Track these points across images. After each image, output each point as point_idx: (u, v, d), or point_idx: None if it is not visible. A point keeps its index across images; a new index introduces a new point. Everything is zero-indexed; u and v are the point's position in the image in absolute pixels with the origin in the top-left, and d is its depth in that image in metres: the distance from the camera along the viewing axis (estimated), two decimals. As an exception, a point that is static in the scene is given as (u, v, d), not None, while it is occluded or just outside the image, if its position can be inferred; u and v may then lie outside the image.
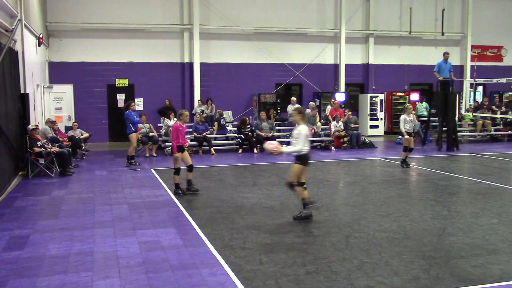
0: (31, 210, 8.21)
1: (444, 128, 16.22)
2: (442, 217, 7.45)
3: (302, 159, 7.08)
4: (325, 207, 8.15)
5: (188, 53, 19.76)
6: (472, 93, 22.82)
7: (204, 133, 15.92)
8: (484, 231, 6.64)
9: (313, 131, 17.13)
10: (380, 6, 21.89)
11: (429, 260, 5.51)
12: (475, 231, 6.67)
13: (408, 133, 12.24)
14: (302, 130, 7.03)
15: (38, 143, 11.49)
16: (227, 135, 17.07)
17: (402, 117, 12.32)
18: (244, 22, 20.08)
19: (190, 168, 9.29)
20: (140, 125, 14.40)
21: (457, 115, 18.13)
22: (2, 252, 5.95)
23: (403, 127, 12.19)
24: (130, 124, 13.03)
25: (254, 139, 16.11)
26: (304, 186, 7.27)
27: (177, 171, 9.24)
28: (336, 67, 21.61)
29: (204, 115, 17.37)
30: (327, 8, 21.28)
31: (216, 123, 16.97)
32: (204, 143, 15.82)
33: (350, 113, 17.96)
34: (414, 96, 21.48)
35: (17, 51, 11.72)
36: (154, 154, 15.13)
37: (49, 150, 11.58)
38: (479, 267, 5.29)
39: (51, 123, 13.68)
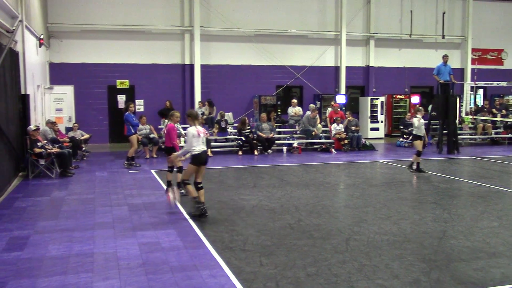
0: (31, 211, 8.20)
1: (445, 131, 16.22)
2: (443, 220, 7.44)
3: (193, 159, 7.54)
4: (326, 209, 8.15)
5: (188, 54, 19.77)
6: (472, 96, 22.80)
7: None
8: (485, 234, 6.63)
9: (314, 133, 17.15)
10: (380, 9, 21.91)
11: (430, 263, 5.51)
12: (476, 234, 6.67)
13: (419, 137, 12.07)
14: (189, 131, 7.55)
15: (38, 144, 11.48)
16: (227, 136, 17.06)
17: (414, 120, 12.25)
18: (245, 24, 20.10)
19: (171, 170, 9.43)
20: (140, 126, 14.40)
21: (457, 118, 18.12)
22: (2, 253, 5.94)
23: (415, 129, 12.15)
24: (130, 126, 13.05)
25: (254, 141, 16.10)
26: (200, 185, 7.63)
27: (180, 169, 9.24)
28: (336, 69, 21.62)
29: (204, 116, 17.36)
30: (327, 11, 21.30)
31: (216, 125, 16.95)
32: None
33: (350, 116, 17.94)
34: (415, 99, 21.49)
35: (18, 52, 11.74)
36: (154, 156, 15.13)
37: (49, 151, 11.57)
38: (480, 270, 5.28)
39: (52, 124, 13.68)
